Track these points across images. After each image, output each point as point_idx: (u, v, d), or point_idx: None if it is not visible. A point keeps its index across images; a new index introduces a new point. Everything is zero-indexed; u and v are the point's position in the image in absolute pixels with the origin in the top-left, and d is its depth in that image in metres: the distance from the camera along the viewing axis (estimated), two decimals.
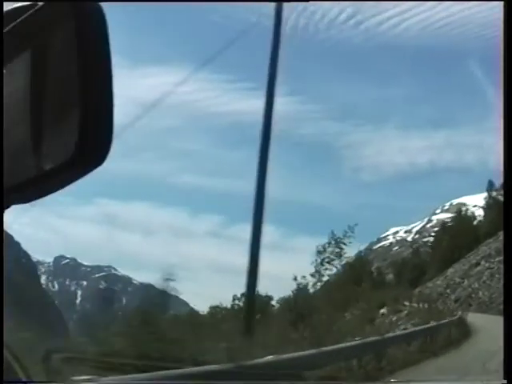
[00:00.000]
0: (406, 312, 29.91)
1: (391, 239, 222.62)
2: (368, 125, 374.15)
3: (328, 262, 17.91)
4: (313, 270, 18.02)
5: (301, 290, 19.49)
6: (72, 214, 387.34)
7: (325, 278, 19.55)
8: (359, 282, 37.93)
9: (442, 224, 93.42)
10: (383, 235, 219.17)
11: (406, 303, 33.04)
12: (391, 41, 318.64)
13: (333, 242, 17.96)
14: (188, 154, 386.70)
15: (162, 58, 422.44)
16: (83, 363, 7.53)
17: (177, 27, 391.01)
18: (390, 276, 76.44)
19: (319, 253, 17.92)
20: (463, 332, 22.57)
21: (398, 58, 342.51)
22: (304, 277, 18.81)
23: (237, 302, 20.55)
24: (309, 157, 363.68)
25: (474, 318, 27.21)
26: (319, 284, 19.45)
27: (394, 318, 28.81)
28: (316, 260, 17.81)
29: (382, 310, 31.36)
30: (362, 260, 53.89)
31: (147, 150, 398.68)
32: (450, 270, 50.61)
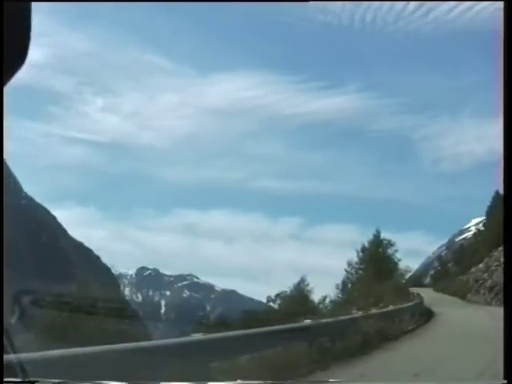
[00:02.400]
0: None
1: (474, 230, 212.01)
2: (444, 115, 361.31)
3: None
4: None
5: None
6: (152, 225, 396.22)
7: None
8: None
9: None
10: (466, 226, 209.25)
11: None
12: (462, 27, 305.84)
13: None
14: (264, 158, 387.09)
15: (230, 64, 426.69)
16: None
17: (242, 31, 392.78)
18: None
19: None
20: None
21: (470, 43, 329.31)
22: None
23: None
24: (386, 152, 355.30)
25: None
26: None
27: None
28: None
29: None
30: None
31: (222, 156, 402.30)
32: None
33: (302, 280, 38.74)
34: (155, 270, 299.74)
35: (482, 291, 43.47)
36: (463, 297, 45.69)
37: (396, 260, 58.70)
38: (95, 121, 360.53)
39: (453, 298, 45.97)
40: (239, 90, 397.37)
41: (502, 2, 4.30)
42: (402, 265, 58.14)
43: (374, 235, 58.19)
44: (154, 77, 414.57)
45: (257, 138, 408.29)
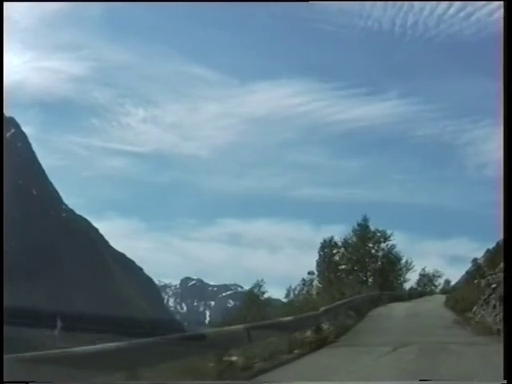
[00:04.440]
0: None
1: None
2: (487, 119, 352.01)
3: None
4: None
5: None
6: (196, 235, 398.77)
7: None
8: None
9: None
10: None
11: None
12: None
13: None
14: (306, 166, 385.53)
15: (271, 73, 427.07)
16: None
17: (283, 40, 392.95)
18: None
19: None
20: None
21: None
22: None
23: None
24: (429, 157, 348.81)
25: None
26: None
27: None
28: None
29: None
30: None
31: (264, 165, 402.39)
32: None
33: None
34: (199, 280, 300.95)
35: (493, 302, 25.24)
36: (453, 307, 26.42)
37: (393, 257, 50.24)
38: (137, 132, 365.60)
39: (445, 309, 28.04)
40: (280, 98, 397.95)
41: (502, 2, 4.71)
42: (408, 265, 50.55)
43: (359, 225, 48.61)
44: (194, 87, 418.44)
45: (298, 146, 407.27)
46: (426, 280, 64.83)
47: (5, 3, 11.69)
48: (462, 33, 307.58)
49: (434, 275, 62.02)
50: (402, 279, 53.21)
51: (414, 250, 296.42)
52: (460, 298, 25.40)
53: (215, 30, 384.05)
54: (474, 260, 50.74)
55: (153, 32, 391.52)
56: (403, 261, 52.07)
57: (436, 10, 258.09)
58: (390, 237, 49.87)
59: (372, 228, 49.60)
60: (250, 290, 46.58)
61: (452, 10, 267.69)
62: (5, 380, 4.89)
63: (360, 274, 48.00)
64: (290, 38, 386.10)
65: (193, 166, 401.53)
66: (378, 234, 49.71)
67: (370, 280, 47.30)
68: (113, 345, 6.95)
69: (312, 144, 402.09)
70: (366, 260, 48.75)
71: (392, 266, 49.71)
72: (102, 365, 6.32)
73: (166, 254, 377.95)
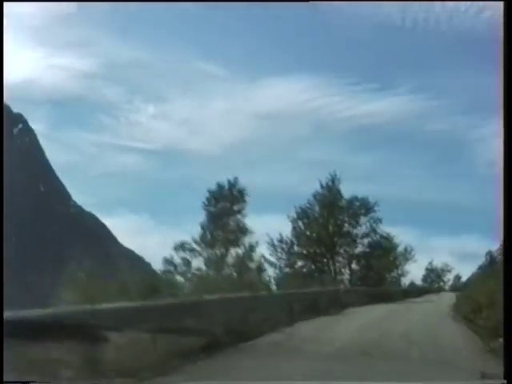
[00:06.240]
0: None
1: None
2: (498, 116, 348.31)
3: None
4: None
5: None
6: None
7: None
8: None
9: None
10: None
11: None
12: None
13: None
14: (316, 162, 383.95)
15: (281, 68, 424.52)
16: None
17: (292, 35, 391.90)
18: None
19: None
20: None
21: None
22: None
23: None
24: (440, 153, 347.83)
25: None
26: None
27: None
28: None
29: None
30: None
31: (274, 161, 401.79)
32: None
33: None
34: None
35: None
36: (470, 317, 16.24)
37: (383, 239, 34.66)
38: (146, 128, 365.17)
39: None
40: (290, 93, 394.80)
41: (502, 2, 4.50)
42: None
43: (326, 189, 33.61)
44: (204, 83, 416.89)
45: (308, 142, 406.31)
46: (434, 275, 60.51)
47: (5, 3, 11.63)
48: (473, 28, 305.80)
49: (442, 270, 57.74)
50: (397, 271, 40.61)
51: (423, 245, 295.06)
52: (484, 298, 13.44)
53: (225, 26, 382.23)
54: (489, 253, 44.81)
55: (161, 28, 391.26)
56: (400, 247, 39.36)
57: (447, 5, 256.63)
58: (373, 207, 35.39)
59: (346, 194, 33.70)
60: None
61: (462, 6, 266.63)
62: (5, 380, 4.87)
63: (326, 260, 33.54)
64: (300, 34, 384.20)
65: (202, 162, 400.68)
66: (357, 204, 34.76)
67: (344, 270, 34.62)
68: None
69: (322, 140, 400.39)
70: (336, 240, 34.32)
71: (380, 251, 35.56)
72: None
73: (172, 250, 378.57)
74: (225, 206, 31.24)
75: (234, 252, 30.94)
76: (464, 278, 61.55)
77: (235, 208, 31.19)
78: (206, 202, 32.73)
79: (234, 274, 23.98)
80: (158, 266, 34.78)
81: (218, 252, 30.90)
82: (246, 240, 30.95)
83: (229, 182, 33.04)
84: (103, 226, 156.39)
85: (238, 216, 31.69)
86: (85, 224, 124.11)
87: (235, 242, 31.25)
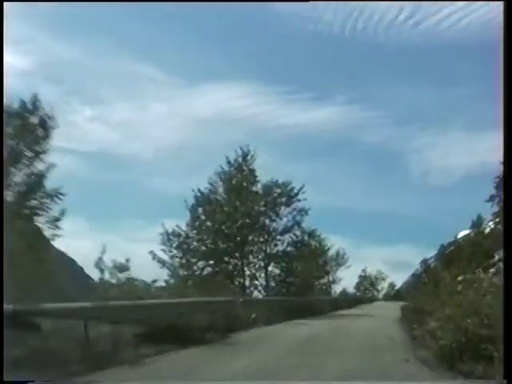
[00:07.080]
0: None
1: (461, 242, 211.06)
2: (433, 127, 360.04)
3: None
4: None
5: None
6: (140, 236, 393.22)
7: None
8: None
9: None
10: (453, 239, 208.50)
11: None
12: (452, 38, 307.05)
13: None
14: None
15: (219, 74, 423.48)
16: None
17: (231, 42, 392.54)
18: None
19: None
20: None
21: (460, 55, 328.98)
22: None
23: None
24: (375, 164, 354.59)
25: None
26: None
27: None
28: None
29: None
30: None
31: (208, 166, 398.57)
32: None
33: None
34: (142, 281, 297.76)
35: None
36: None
37: (311, 237, 29.15)
38: (83, 130, 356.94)
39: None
40: (227, 99, 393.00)
41: (502, 3, 4.49)
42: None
43: (233, 165, 27.46)
44: (143, 86, 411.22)
45: (244, 148, 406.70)
46: (368, 283, 57.58)
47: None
48: (410, 40, 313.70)
49: (376, 278, 53.89)
50: (327, 278, 34.81)
51: (356, 254, 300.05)
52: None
53: (165, 30, 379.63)
54: (424, 261, 38.54)
55: (100, 29, 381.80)
56: (332, 251, 34.62)
57: (386, 17, 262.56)
58: (299, 192, 27.88)
59: (260, 173, 26.89)
60: None
61: (401, 17, 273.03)
62: (5, 380, 4.88)
63: (235, 260, 27.20)
64: (238, 40, 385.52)
65: (137, 166, 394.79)
66: (277, 190, 27.47)
67: (259, 274, 27.96)
68: None
69: (259, 147, 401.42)
70: (247, 234, 27.13)
71: (306, 251, 29.35)
72: None
73: (110, 254, 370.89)
74: None
75: None
76: (397, 287, 60.87)
77: None
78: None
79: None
80: (89, 270, 33.25)
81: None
82: None
83: None
84: (37, 229, 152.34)
85: None
86: (16, 227, 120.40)
87: None
